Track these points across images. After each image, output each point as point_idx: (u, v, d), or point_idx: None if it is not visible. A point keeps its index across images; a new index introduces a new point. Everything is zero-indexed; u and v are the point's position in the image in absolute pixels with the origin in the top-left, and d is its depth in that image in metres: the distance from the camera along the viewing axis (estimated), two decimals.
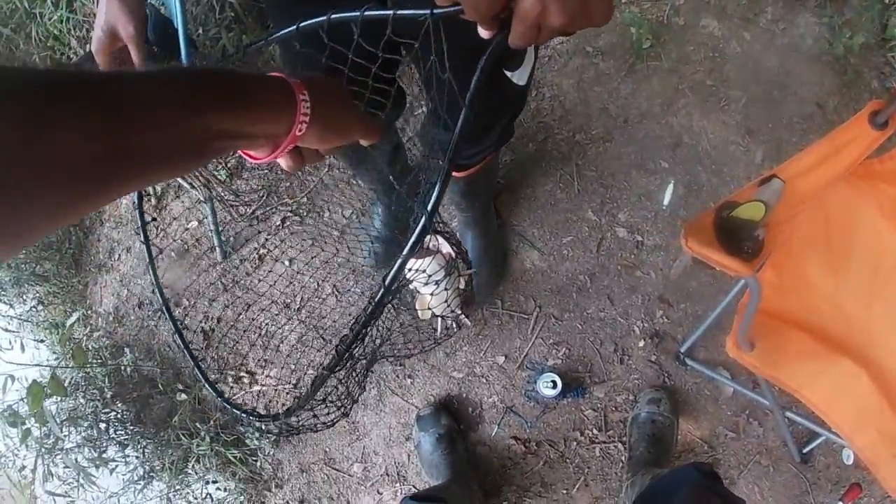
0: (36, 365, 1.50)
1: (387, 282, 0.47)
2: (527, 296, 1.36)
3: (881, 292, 0.95)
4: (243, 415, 0.62)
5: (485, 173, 1.03)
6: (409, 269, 0.79)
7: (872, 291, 0.95)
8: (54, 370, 1.39)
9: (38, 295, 1.71)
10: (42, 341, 1.64)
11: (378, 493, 1.35)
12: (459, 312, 1.06)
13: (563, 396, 1.28)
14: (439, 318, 1.06)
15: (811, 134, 1.44)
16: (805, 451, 1.21)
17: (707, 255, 0.75)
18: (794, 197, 0.83)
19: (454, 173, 0.95)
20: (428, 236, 0.89)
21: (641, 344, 1.31)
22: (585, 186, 1.42)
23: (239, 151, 0.45)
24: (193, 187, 1.48)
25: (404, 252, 0.45)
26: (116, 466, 1.46)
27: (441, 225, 0.61)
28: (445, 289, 0.93)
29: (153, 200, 1.68)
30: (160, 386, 1.52)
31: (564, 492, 1.28)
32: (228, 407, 0.65)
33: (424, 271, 0.71)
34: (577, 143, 1.46)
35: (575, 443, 1.29)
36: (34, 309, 1.71)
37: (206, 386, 0.68)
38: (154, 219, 1.62)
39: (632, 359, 1.31)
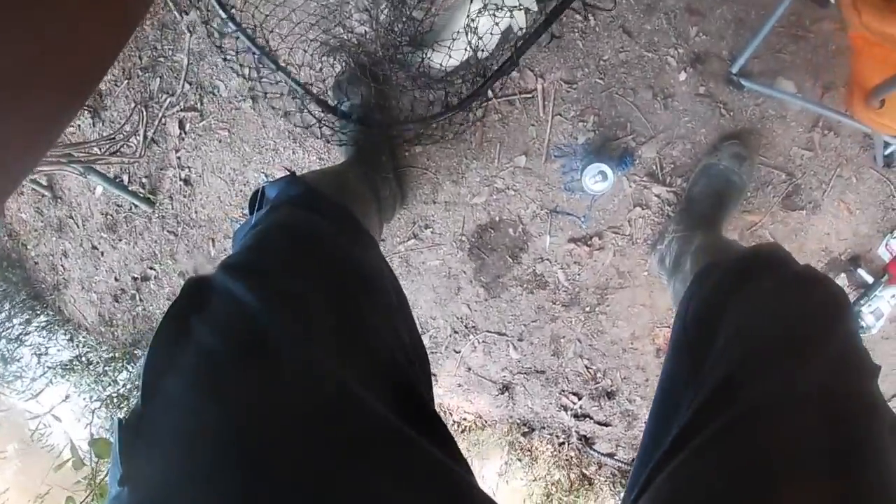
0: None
1: None
2: (520, 68, 1.00)
3: None
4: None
5: None
6: None
7: None
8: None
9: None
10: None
11: (455, 352, 1.26)
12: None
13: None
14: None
15: None
16: (887, 153, 0.98)
17: None
18: None
19: None
20: None
21: (682, 77, 0.98)
22: None
23: None
24: (69, 164, 1.11)
25: None
26: None
27: None
28: None
29: (48, 194, 1.33)
30: None
31: (645, 274, 1.12)
32: None
33: None
34: None
35: (640, 220, 1.07)
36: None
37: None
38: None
39: (676, 98, 0.99)
